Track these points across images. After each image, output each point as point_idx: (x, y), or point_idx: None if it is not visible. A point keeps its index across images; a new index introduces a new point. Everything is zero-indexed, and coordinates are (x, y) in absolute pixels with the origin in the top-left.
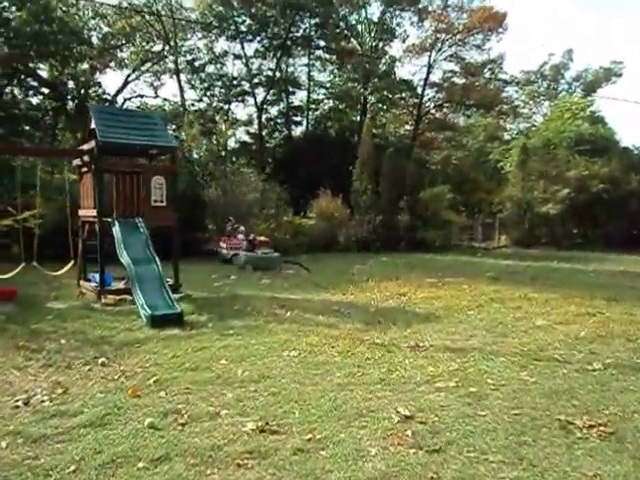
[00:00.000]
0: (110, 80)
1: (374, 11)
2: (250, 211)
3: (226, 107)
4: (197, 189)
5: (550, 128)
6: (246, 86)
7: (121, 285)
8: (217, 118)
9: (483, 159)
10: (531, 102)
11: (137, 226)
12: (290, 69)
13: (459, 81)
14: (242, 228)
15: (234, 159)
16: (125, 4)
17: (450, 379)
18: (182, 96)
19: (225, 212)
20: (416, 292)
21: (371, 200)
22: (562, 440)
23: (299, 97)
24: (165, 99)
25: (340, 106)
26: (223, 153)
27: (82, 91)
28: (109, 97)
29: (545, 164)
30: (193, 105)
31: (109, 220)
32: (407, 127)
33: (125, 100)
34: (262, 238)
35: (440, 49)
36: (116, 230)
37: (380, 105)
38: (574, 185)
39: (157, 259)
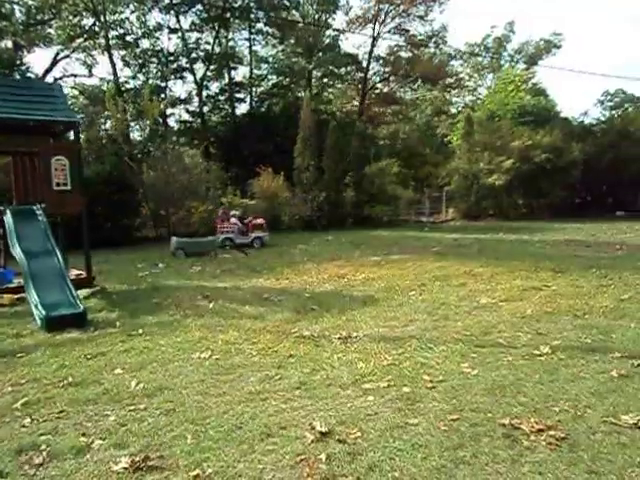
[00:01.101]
0: (39, 59)
1: None
2: (185, 193)
3: (163, 84)
4: (126, 171)
5: (494, 100)
6: (183, 62)
7: None
8: (144, 94)
9: (431, 133)
10: (475, 75)
11: (35, 214)
12: (231, 44)
13: (404, 54)
14: (235, 212)
15: (174, 139)
16: None
17: (381, 378)
18: (115, 74)
19: (158, 195)
20: (357, 273)
21: (314, 177)
22: (506, 453)
23: (241, 73)
24: (102, 78)
25: (284, 82)
26: (159, 132)
27: (6, 71)
28: (36, 77)
29: (489, 135)
30: (127, 83)
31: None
32: (355, 103)
33: (55, 80)
34: (258, 221)
35: (384, 21)
36: (7, 219)
37: (325, 80)
38: (518, 155)
39: (58, 251)
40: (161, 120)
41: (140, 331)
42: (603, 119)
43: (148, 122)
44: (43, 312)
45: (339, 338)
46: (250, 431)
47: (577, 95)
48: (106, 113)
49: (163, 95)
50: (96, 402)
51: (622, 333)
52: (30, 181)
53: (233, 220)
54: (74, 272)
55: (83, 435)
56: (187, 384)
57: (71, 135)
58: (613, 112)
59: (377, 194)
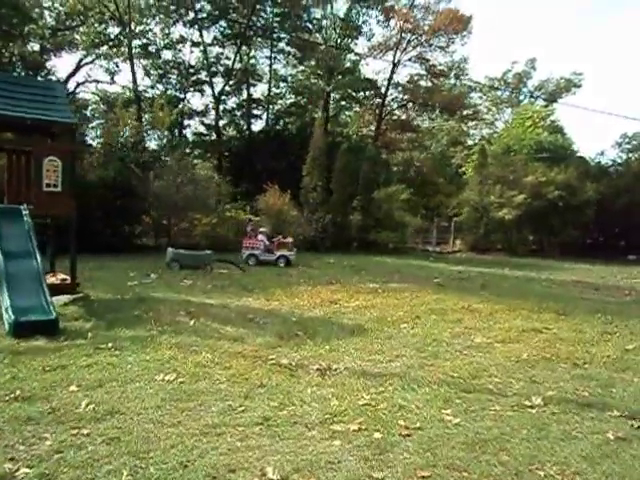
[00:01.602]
0: (64, 63)
1: (340, 7)
2: (190, 204)
3: (182, 96)
4: (131, 178)
5: (511, 135)
6: (203, 75)
7: None
8: (155, 104)
9: (445, 162)
10: (494, 108)
11: (21, 214)
12: (252, 61)
13: (424, 83)
14: (264, 229)
15: (188, 150)
16: None
17: (354, 419)
18: (135, 82)
19: (162, 204)
20: (351, 299)
21: (321, 197)
22: None
23: (260, 90)
24: (124, 86)
25: (302, 101)
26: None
27: (30, 73)
28: (58, 81)
29: (502, 169)
30: (146, 92)
31: None
32: (372, 127)
33: (78, 84)
34: (286, 239)
35: (405, 49)
36: None
37: (343, 103)
38: (530, 191)
39: (38, 254)
40: (176, 130)
41: (110, 345)
42: (620, 161)
43: (159, 131)
44: (12, 316)
45: (318, 369)
46: (194, 471)
47: (595, 136)
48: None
49: (181, 105)
50: (38, 422)
51: (623, 388)
52: (23, 181)
53: (260, 237)
54: (59, 277)
55: (11, 460)
56: (142, 409)
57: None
58: (630, 155)
59: (384, 219)
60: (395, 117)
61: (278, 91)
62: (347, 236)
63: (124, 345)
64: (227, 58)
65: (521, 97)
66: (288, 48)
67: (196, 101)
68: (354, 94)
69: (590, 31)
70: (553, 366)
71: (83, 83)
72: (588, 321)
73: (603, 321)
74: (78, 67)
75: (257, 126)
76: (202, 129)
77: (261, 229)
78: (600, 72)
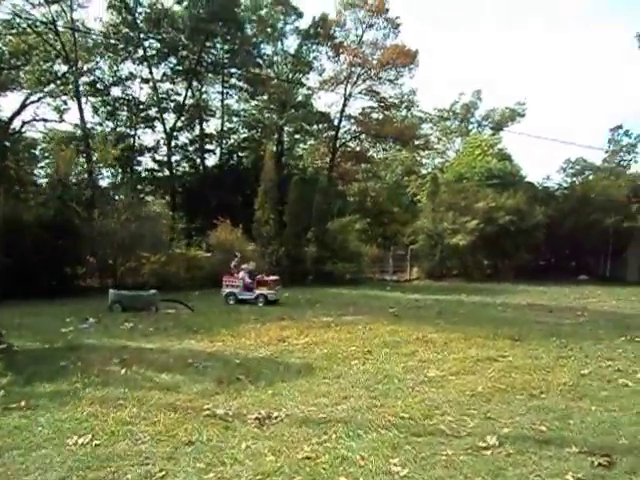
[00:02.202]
0: (8, 102)
1: (291, 44)
2: (137, 242)
3: (132, 132)
4: (71, 217)
5: (462, 163)
6: (154, 111)
7: None
8: (96, 140)
9: (401, 192)
10: (444, 138)
11: None
12: (204, 96)
13: (375, 115)
14: (247, 265)
15: (140, 187)
16: (18, 20)
17: (289, 478)
18: (82, 119)
19: (105, 242)
20: (301, 336)
21: (274, 230)
22: None
23: (213, 125)
24: (76, 125)
25: (255, 135)
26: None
27: None
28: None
29: (454, 196)
30: (94, 129)
31: None
32: (327, 160)
33: (24, 123)
34: (270, 278)
35: (355, 82)
36: None
37: (297, 136)
38: (482, 216)
39: None
40: (127, 167)
41: (22, 403)
42: (565, 185)
43: (105, 168)
44: None
45: (256, 418)
46: None
47: (540, 162)
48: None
49: (131, 142)
50: None
51: (581, 418)
52: None
53: (241, 274)
54: None
55: None
56: None
57: None
58: (574, 179)
59: (339, 250)
60: (349, 149)
61: (231, 126)
62: (302, 269)
63: (39, 403)
64: (177, 94)
65: (470, 127)
66: (240, 83)
67: (147, 137)
68: (307, 127)
69: (531, 60)
70: (509, 398)
71: (29, 122)
72: (543, 346)
73: (558, 345)
74: (23, 106)
75: (211, 161)
76: (154, 165)
77: (244, 265)
78: (542, 100)
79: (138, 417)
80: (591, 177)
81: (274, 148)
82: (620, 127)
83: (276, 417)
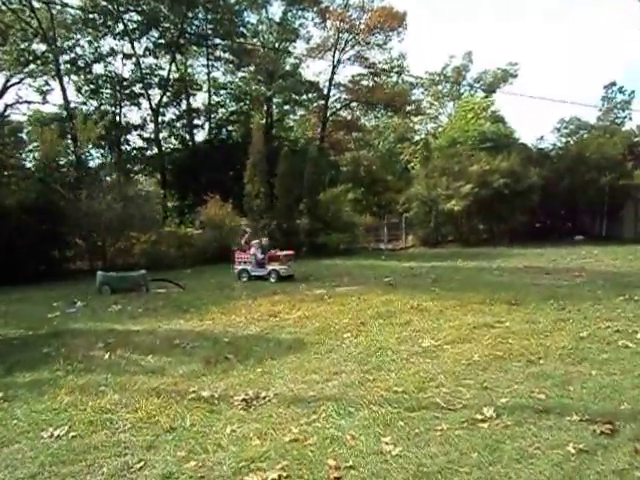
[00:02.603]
0: None
1: (276, 11)
2: (125, 222)
3: (117, 110)
4: (55, 199)
5: (455, 127)
6: (138, 87)
7: None
8: (76, 120)
9: (394, 160)
10: (436, 103)
11: None
12: (189, 70)
13: (365, 82)
14: (259, 241)
15: (129, 166)
16: None
17: (275, 464)
18: (65, 99)
19: (93, 224)
20: (293, 310)
21: (265, 204)
22: None
23: (200, 99)
24: (60, 105)
25: (243, 108)
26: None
27: None
28: None
29: (447, 161)
30: (77, 109)
31: None
32: (318, 130)
33: (7, 106)
34: (282, 253)
35: (344, 49)
36: None
37: (286, 107)
38: (476, 180)
39: None
40: (115, 147)
41: (0, 395)
42: (560, 145)
43: (89, 147)
44: None
45: (243, 400)
46: None
47: (534, 123)
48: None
49: (116, 119)
50: None
51: (581, 384)
52: None
53: (252, 250)
54: None
55: None
56: None
57: None
58: (569, 139)
59: (332, 221)
60: (340, 118)
61: (219, 99)
62: (295, 241)
63: (18, 393)
64: (161, 68)
65: (461, 90)
66: (225, 55)
67: (134, 115)
68: (297, 97)
69: (521, 19)
70: (506, 365)
71: (12, 105)
72: (541, 309)
73: (556, 307)
74: (5, 88)
75: (200, 137)
76: (142, 143)
77: (254, 241)
78: (533, 60)
79: (119, 404)
80: (585, 136)
81: (263, 120)
82: (614, 84)
83: (264, 397)
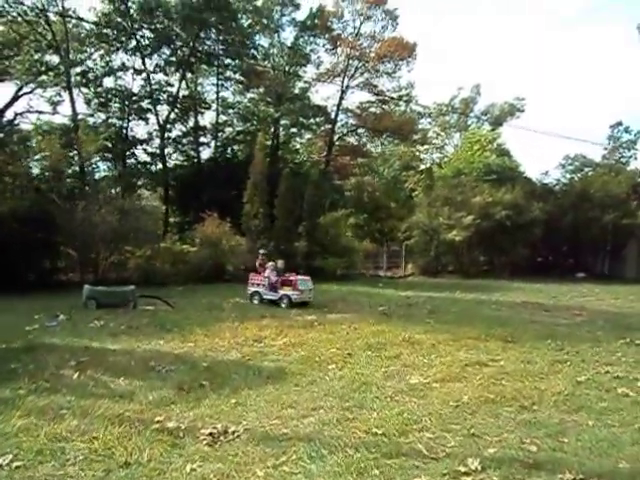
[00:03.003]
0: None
1: (288, 36)
2: (120, 236)
3: (124, 124)
4: (51, 209)
5: (461, 158)
6: (145, 102)
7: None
8: (79, 131)
9: (398, 187)
10: (443, 133)
11: None
12: (199, 88)
13: (373, 110)
14: (273, 263)
15: (133, 180)
16: (8, 8)
17: None
18: (74, 111)
19: (87, 236)
20: (279, 336)
21: (264, 224)
22: None
23: (208, 118)
24: (68, 116)
25: (250, 128)
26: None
27: None
28: None
29: (450, 190)
30: (82, 120)
31: None
32: (324, 154)
33: (16, 115)
34: (296, 277)
35: (353, 75)
36: None
37: (293, 130)
38: (479, 212)
39: None
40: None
41: None
42: (564, 181)
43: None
44: None
45: (210, 434)
46: None
47: (539, 159)
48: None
49: (123, 133)
50: None
51: (576, 435)
52: None
53: (267, 272)
54: None
55: None
56: None
57: None
58: (573, 175)
59: (330, 245)
60: (346, 143)
61: (226, 118)
62: (293, 264)
63: None
64: (170, 85)
65: (468, 122)
66: (236, 75)
67: (140, 129)
68: (304, 120)
69: (530, 56)
70: (497, 410)
71: (22, 114)
72: (537, 348)
73: (553, 347)
74: (16, 97)
75: (205, 154)
76: (147, 158)
77: (270, 263)
78: (540, 96)
79: (76, 431)
80: (590, 173)
81: (269, 142)
82: (620, 124)
83: (233, 432)
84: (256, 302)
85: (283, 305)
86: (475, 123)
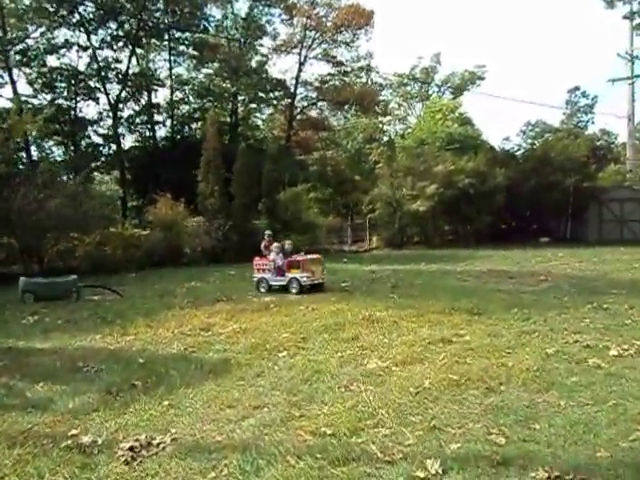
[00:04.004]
0: None
1: (242, 6)
2: (64, 223)
3: (72, 105)
4: None
5: (423, 129)
6: (94, 81)
7: None
8: (10, 113)
9: (362, 159)
10: (405, 104)
11: None
12: (151, 65)
13: (333, 82)
14: (279, 244)
15: (84, 163)
16: None
17: None
18: (15, 92)
19: (26, 224)
20: (229, 322)
21: (220, 203)
22: None
23: (162, 95)
24: (9, 98)
25: (207, 105)
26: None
27: None
28: None
29: (412, 160)
30: (27, 103)
31: None
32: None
33: None
34: (304, 257)
35: (310, 46)
36: None
37: (252, 105)
38: (442, 181)
39: None
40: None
41: None
42: (526, 146)
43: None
44: None
45: (131, 448)
46: None
47: (501, 126)
48: None
49: (72, 114)
50: None
51: (548, 420)
52: None
53: (271, 256)
54: None
55: None
56: None
57: None
58: (534, 141)
59: (292, 221)
60: (307, 116)
61: (181, 96)
62: (254, 243)
63: None
64: (119, 61)
65: (430, 91)
66: (189, 50)
67: (91, 111)
68: (263, 95)
69: (490, 22)
70: (461, 395)
71: None
72: (504, 319)
73: (520, 317)
74: None
75: (161, 134)
76: (99, 139)
77: (274, 244)
78: (501, 63)
79: None
80: (550, 138)
81: (228, 118)
82: (577, 88)
83: (158, 444)
84: (263, 290)
85: (294, 290)
86: (436, 93)
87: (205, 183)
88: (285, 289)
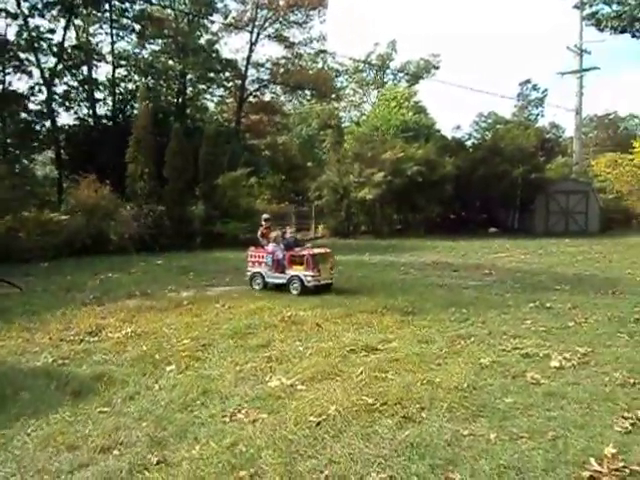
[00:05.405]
0: None
1: None
2: None
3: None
4: None
5: (378, 116)
6: (25, 52)
7: None
8: None
9: (315, 146)
10: (360, 90)
11: None
12: (91, 38)
13: (287, 64)
14: (279, 233)
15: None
16: None
17: None
18: None
19: None
20: (124, 324)
21: (151, 187)
22: None
23: (103, 71)
24: None
25: (150, 83)
26: None
27: None
28: None
29: (360, 146)
30: None
31: None
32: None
33: None
34: (311, 251)
35: (262, 26)
36: None
37: (201, 86)
38: (390, 168)
39: None
40: None
41: None
42: (476, 135)
43: None
44: None
45: None
46: None
47: (454, 117)
48: None
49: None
50: None
51: (472, 465)
52: None
53: (270, 247)
54: None
55: None
56: None
57: None
58: (486, 132)
59: (230, 208)
60: (259, 100)
61: (125, 73)
62: (188, 230)
63: None
64: (53, 32)
65: (385, 79)
66: (134, 24)
67: (23, 85)
68: (212, 75)
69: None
70: (372, 426)
71: None
72: (439, 320)
73: (457, 318)
74: None
75: (101, 112)
76: (28, 116)
77: (273, 233)
78: (455, 53)
79: None
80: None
81: (176, 99)
82: (528, 81)
83: None
84: (257, 287)
85: (294, 291)
86: (392, 80)
87: (134, 165)
88: (285, 288)
